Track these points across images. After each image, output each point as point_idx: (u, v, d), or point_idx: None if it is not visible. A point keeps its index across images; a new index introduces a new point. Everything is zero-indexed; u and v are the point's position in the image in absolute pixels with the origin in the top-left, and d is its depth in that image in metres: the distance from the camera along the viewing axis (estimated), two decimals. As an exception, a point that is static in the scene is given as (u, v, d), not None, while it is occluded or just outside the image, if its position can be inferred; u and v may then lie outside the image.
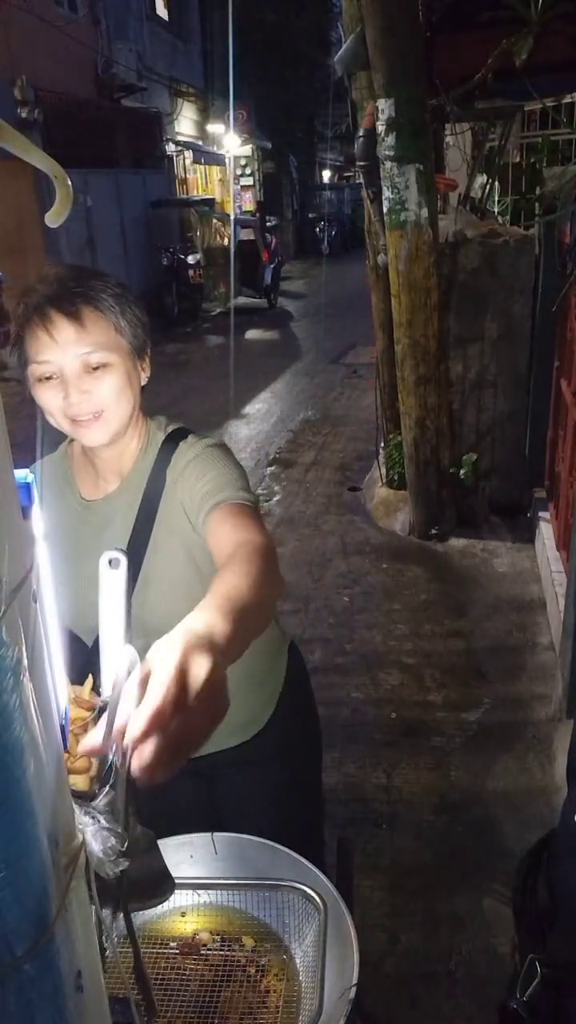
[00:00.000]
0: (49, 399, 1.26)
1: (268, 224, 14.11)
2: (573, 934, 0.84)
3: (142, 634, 1.39)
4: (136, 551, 1.27)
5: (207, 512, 1.20)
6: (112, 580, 0.92)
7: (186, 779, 1.40)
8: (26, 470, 0.65)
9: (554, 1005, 0.85)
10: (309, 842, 1.48)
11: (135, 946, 0.82)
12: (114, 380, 1.25)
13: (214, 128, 17.09)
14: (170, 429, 1.36)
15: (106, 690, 0.91)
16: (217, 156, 17.29)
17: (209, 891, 1.25)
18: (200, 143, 16.72)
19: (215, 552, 1.15)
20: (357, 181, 5.66)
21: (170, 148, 14.73)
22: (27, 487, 0.64)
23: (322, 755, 1.60)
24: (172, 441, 1.33)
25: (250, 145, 18.60)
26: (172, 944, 1.21)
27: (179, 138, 15.47)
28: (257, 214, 15.07)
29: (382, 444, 4.93)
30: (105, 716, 0.75)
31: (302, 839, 1.35)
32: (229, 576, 0.98)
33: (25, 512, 0.63)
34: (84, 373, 1.21)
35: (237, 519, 1.16)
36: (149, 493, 1.29)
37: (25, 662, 0.53)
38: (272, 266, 12.83)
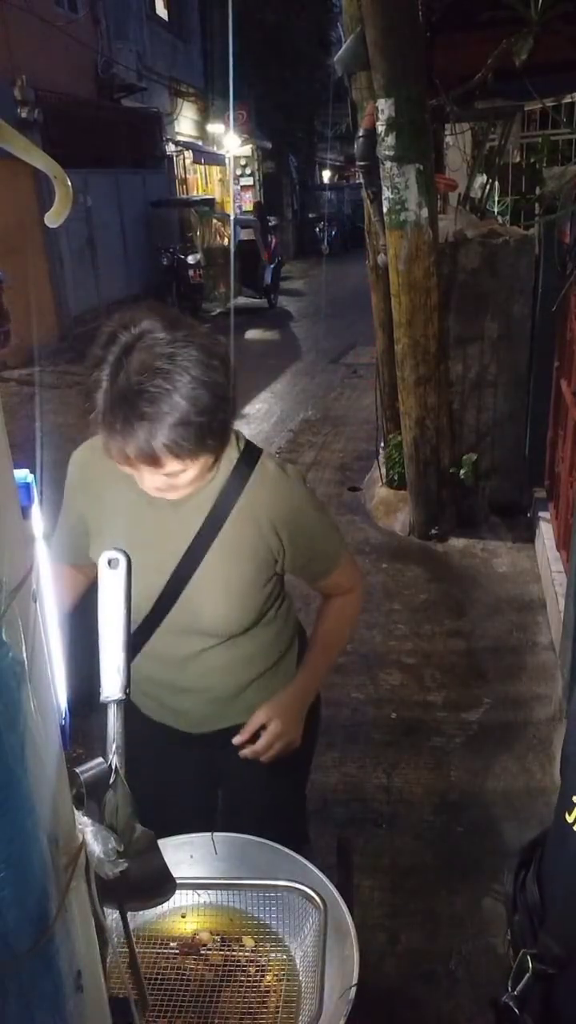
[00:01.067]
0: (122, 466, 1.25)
1: (269, 224, 14.09)
2: (562, 929, 0.85)
3: (188, 632, 1.41)
4: (195, 554, 1.34)
5: (321, 579, 1.58)
6: (112, 580, 0.92)
7: (195, 750, 1.52)
8: (25, 470, 0.65)
9: (544, 999, 0.87)
10: (301, 812, 1.70)
11: (130, 945, 0.83)
12: (193, 475, 1.25)
13: (214, 128, 17.09)
14: (241, 445, 1.38)
15: (106, 688, 0.91)
16: (217, 156, 17.29)
17: (209, 891, 1.26)
18: (200, 143, 16.71)
19: (321, 593, 1.64)
20: (357, 181, 5.66)
21: (170, 148, 14.72)
22: (27, 487, 0.64)
23: (318, 735, 1.67)
24: (247, 461, 1.37)
25: (250, 145, 18.60)
26: (172, 944, 1.21)
27: (179, 138, 15.46)
28: (257, 214, 15.06)
29: (382, 444, 4.93)
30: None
31: (295, 809, 1.64)
32: (332, 623, 1.65)
33: (25, 512, 0.63)
34: (163, 479, 1.24)
35: (342, 577, 1.58)
36: (220, 504, 1.34)
37: (25, 663, 0.54)
38: (272, 266, 12.83)
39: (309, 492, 1.44)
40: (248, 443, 1.40)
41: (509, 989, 0.87)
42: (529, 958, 0.86)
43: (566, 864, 0.87)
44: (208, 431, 1.18)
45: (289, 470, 1.40)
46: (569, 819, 0.85)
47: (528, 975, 0.86)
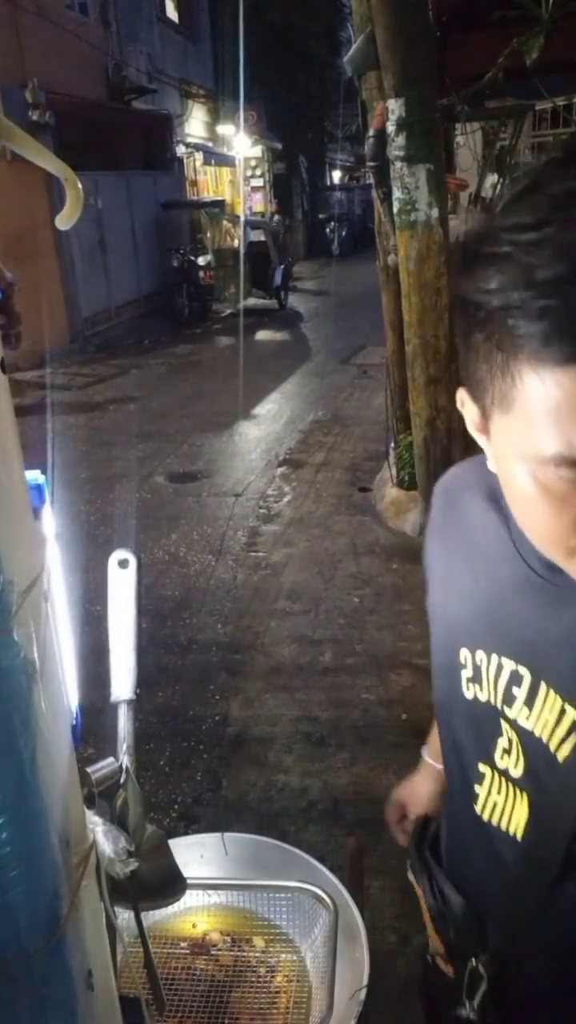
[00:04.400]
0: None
1: (285, 226, 14.10)
2: (511, 925, 0.81)
3: None
4: None
5: None
6: (122, 580, 0.93)
7: None
8: (37, 471, 0.66)
9: (505, 1005, 0.84)
10: None
11: (145, 944, 0.83)
12: None
13: (224, 129, 17.11)
14: None
15: (116, 689, 0.91)
16: (227, 157, 17.31)
17: (220, 891, 1.26)
18: (210, 145, 16.74)
19: None
20: (367, 181, 5.65)
21: (180, 150, 14.75)
22: (39, 488, 0.64)
23: None
24: None
25: (260, 146, 18.61)
26: (183, 944, 1.22)
27: (189, 140, 15.49)
28: (277, 216, 15.07)
29: (392, 444, 4.92)
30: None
31: None
32: None
33: (36, 513, 0.63)
34: None
35: None
36: None
37: (37, 663, 0.54)
38: (282, 267, 12.84)
39: None
40: None
41: (466, 1004, 0.84)
42: (481, 966, 0.83)
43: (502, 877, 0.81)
44: None
45: None
46: (477, 809, 0.82)
47: (484, 984, 0.83)
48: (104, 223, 10.84)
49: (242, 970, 1.17)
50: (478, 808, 0.82)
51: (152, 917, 1.23)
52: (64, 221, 0.67)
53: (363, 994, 1.01)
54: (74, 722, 0.72)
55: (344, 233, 20.94)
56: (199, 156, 15.89)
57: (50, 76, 9.53)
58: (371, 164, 4.05)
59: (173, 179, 14.19)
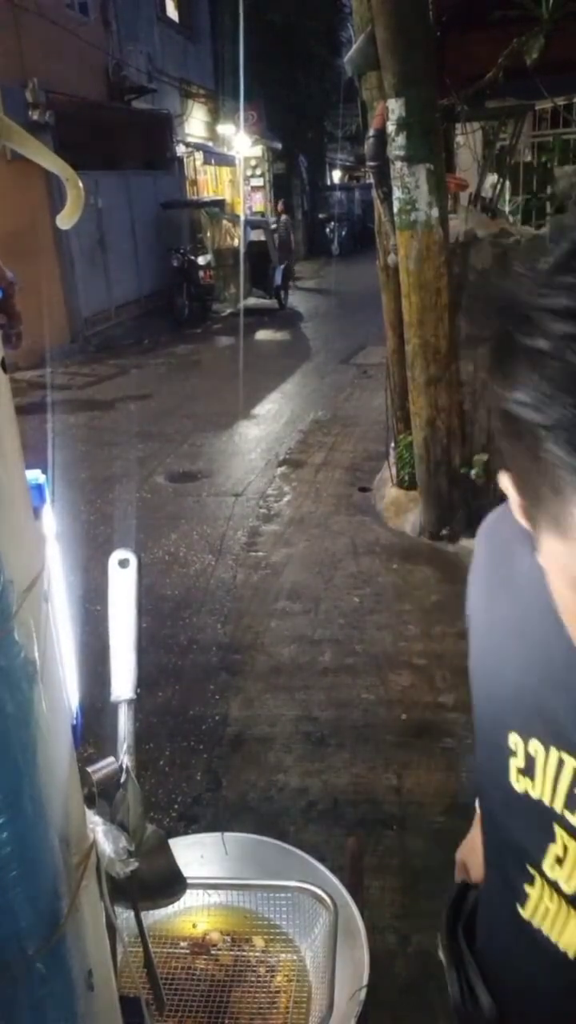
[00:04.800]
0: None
1: (275, 226, 14.08)
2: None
3: None
4: None
5: None
6: (122, 580, 0.92)
7: None
8: (38, 471, 0.66)
9: None
10: None
11: (145, 944, 0.83)
12: None
13: (224, 129, 17.10)
14: None
15: (117, 688, 0.91)
16: (227, 157, 17.30)
17: (220, 891, 1.26)
18: (210, 144, 16.73)
19: None
20: (367, 181, 5.65)
21: (180, 149, 14.75)
22: (39, 488, 0.64)
23: None
24: None
25: (260, 146, 18.60)
26: (183, 944, 1.22)
27: (189, 139, 15.49)
28: (285, 216, 15.04)
29: (392, 444, 4.92)
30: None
31: None
32: None
33: (37, 513, 0.63)
34: None
35: None
36: None
37: (37, 663, 0.54)
38: (282, 267, 12.83)
39: None
40: None
41: None
42: None
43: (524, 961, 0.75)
44: None
45: None
46: (525, 914, 0.72)
47: None
48: (104, 223, 10.83)
49: (242, 970, 1.17)
50: (525, 912, 0.71)
51: (152, 917, 1.23)
52: (65, 220, 0.67)
53: (363, 994, 1.01)
54: (74, 722, 0.72)
55: (344, 233, 20.94)
56: (199, 156, 15.88)
57: (50, 76, 9.53)
58: (371, 164, 4.05)
59: (173, 179, 14.19)
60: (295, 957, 1.18)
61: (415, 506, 4.42)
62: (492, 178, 4.86)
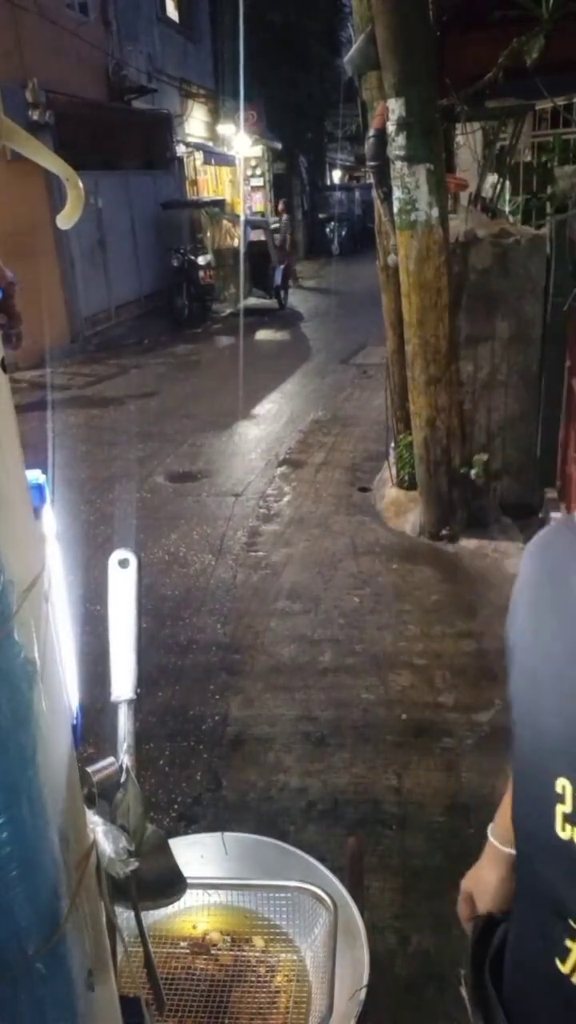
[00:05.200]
0: None
1: (277, 225, 14.08)
2: None
3: None
4: None
5: None
6: (122, 580, 0.92)
7: None
8: (37, 471, 0.66)
9: None
10: None
11: (145, 944, 0.83)
12: None
13: (224, 129, 17.10)
14: None
15: (117, 688, 0.91)
16: (227, 157, 17.30)
17: (220, 891, 1.26)
18: (210, 144, 16.73)
19: None
20: (367, 181, 5.66)
21: (180, 149, 14.75)
22: (39, 488, 0.64)
23: None
24: None
25: (260, 146, 18.60)
26: (183, 944, 1.22)
27: (189, 139, 15.48)
28: (286, 216, 15.05)
29: (392, 444, 4.92)
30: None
31: None
32: None
33: (37, 513, 0.63)
34: None
35: None
36: None
37: (37, 663, 0.54)
38: (283, 267, 12.83)
39: None
40: None
41: None
42: None
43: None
44: None
45: None
46: (564, 968, 0.66)
47: None
48: (104, 223, 10.83)
49: (242, 970, 1.17)
50: (565, 967, 0.65)
51: (152, 917, 1.23)
52: (65, 220, 0.68)
53: (363, 994, 1.01)
54: (74, 722, 0.72)
55: (344, 233, 20.93)
56: (199, 156, 15.88)
57: (50, 76, 9.53)
58: (371, 164, 4.05)
59: (173, 179, 14.19)
60: (295, 957, 1.18)
61: (415, 506, 4.42)
62: (492, 178, 4.86)
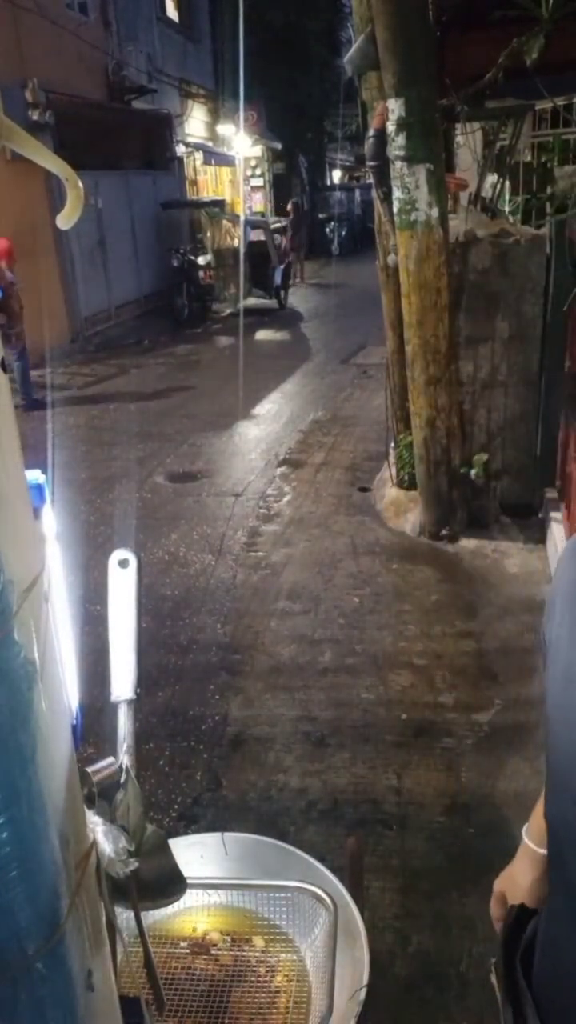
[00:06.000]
0: None
1: (280, 225, 14.08)
2: None
3: None
4: None
5: None
6: (122, 580, 0.92)
7: None
8: (37, 471, 0.66)
9: None
10: None
11: (145, 944, 0.83)
12: None
13: (224, 129, 17.11)
14: None
15: (116, 688, 0.91)
16: (227, 157, 17.31)
17: (220, 891, 1.26)
18: (210, 144, 16.73)
19: None
20: (367, 181, 5.66)
21: (180, 149, 14.75)
22: (39, 488, 0.64)
23: None
24: None
25: (260, 146, 18.61)
26: (183, 944, 1.22)
27: (189, 139, 15.49)
28: (292, 215, 15.04)
29: (392, 444, 4.92)
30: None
31: None
32: None
33: (37, 513, 0.63)
34: None
35: None
36: None
37: (37, 663, 0.54)
38: (282, 267, 12.83)
39: None
40: None
41: None
42: None
43: None
44: None
45: None
46: None
47: None
48: (104, 223, 10.83)
49: (242, 970, 1.17)
50: None
51: (152, 917, 1.22)
52: (65, 220, 0.68)
53: (363, 994, 1.01)
54: (74, 722, 0.72)
55: (344, 233, 20.92)
56: (199, 156, 15.88)
57: (50, 76, 9.53)
58: (371, 164, 4.05)
59: (173, 179, 14.19)
60: (295, 957, 1.18)
61: (415, 506, 4.42)
62: (492, 178, 4.85)
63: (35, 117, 9.10)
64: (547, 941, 0.80)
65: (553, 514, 4.02)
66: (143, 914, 0.82)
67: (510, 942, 0.86)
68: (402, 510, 4.55)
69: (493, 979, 0.86)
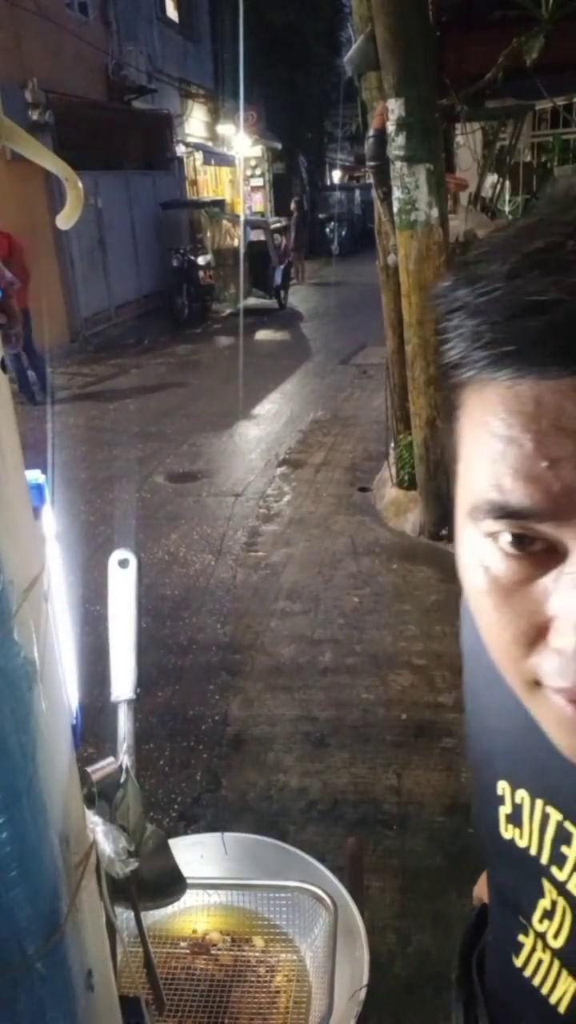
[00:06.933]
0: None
1: (281, 225, 14.08)
2: None
3: None
4: None
5: None
6: (122, 580, 0.92)
7: None
8: (37, 471, 0.66)
9: None
10: None
11: (145, 944, 0.83)
12: None
13: (224, 129, 17.12)
14: None
15: (116, 689, 0.91)
16: (227, 157, 17.31)
17: (219, 891, 1.26)
18: (210, 144, 16.74)
19: None
20: (367, 181, 5.66)
21: (180, 149, 14.75)
22: (39, 488, 0.64)
23: None
24: None
25: (260, 146, 18.62)
26: (182, 944, 1.22)
27: (189, 139, 15.49)
28: (295, 214, 15.05)
29: (392, 444, 4.92)
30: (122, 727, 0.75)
31: None
32: None
33: (36, 513, 0.63)
34: None
35: None
36: None
37: (37, 663, 0.54)
38: (282, 267, 12.83)
39: None
40: None
41: None
42: None
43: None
44: None
45: None
46: (517, 963, 0.67)
47: None
48: (104, 223, 10.83)
49: (242, 970, 1.17)
50: (518, 961, 0.68)
51: (152, 917, 1.23)
52: (64, 221, 0.67)
53: (363, 994, 1.01)
54: (74, 722, 0.72)
55: (344, 233, 20.93)
56: (199, 156, 15.89)
57: (50, 76, 9.53)
58: (371, 164, 4.05)
59: (173, 179, 14.19)
60: (295, 957, 1.18)
61: (415, 506, 4.42)
62: (492, 178, 4.86)
63: (35, 117, 9.11)
64: (491, 941, 0.81)
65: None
66: (143, 914, 0.82)
67: (467, 941, 0.86)
68: (402, 510, 4.55)
69: (453, 977, 0.87)
